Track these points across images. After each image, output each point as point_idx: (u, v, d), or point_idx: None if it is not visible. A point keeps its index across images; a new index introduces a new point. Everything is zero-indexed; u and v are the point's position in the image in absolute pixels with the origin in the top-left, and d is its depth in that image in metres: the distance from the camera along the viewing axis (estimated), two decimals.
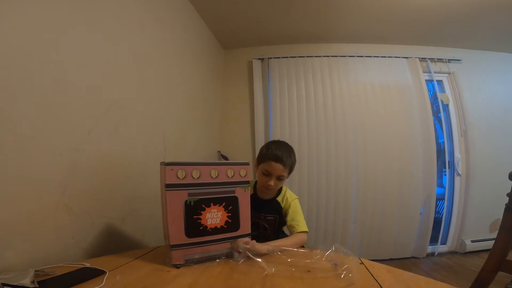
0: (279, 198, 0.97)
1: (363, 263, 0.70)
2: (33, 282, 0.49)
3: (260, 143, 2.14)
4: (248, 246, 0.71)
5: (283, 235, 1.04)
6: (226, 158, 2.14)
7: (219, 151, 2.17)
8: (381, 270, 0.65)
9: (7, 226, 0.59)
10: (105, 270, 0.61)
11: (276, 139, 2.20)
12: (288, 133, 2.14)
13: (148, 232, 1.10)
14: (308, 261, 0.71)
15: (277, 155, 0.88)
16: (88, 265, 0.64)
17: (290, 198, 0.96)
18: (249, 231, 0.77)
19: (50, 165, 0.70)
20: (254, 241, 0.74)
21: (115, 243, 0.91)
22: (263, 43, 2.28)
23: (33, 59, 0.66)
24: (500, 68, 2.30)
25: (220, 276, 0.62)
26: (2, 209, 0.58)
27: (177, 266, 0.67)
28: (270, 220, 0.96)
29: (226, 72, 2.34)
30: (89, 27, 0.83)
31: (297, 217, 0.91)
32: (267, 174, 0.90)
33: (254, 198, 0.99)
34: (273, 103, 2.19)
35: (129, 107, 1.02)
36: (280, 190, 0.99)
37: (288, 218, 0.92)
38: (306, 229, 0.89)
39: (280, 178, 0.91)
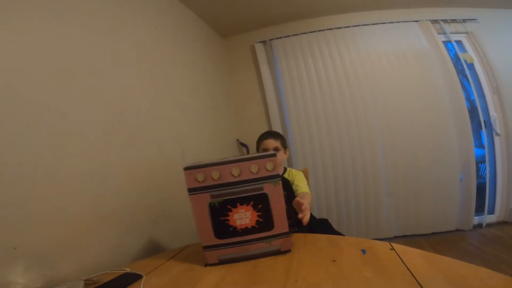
0: (285, 175, 1.18)
1: (393, 248, 0.66)
2: None
3: (276, 126, 2.12)
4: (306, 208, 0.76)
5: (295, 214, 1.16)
6: (245, 146, 2.14)
7: (238, 139, 2.18)
8: (414, 256, 0.60)
9: (60, 242, 0.68)
10: (142, 274, 0.67)
11: (291, 120, 2.13)
12: (303, 111, 2.06)
13: (179, 232, 1.18)
14: (335, 248, 0.69)
15: (265, 133, 1.22)
16: (128, 270, 0.71)
17: (295, 172, 1.21)
18: (286, 229, 0.70)
19: (81, 183, 0.77)
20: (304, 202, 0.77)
21: (150, 245, 0.99)
22: (262, 25, 2.14)
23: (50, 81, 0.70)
24: None
25: (245, 271, 0.64)
26: (55, 229, 0.67)
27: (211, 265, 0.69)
28: (284, 195, 1.07)
29: (230, 61, 2.26)
30: (91, 35, 0.85)
31: (300, 183, 1.14)
32: (266, 150, 1.15)
33: None
34: (284, 84, 2.11)
35: (141, 117, 1.06)
36: (285, 170, 1.22)
37: (294, 184, 1.14)
38: (307, 190, 1.12)
39: (276, 149, 1.15)
